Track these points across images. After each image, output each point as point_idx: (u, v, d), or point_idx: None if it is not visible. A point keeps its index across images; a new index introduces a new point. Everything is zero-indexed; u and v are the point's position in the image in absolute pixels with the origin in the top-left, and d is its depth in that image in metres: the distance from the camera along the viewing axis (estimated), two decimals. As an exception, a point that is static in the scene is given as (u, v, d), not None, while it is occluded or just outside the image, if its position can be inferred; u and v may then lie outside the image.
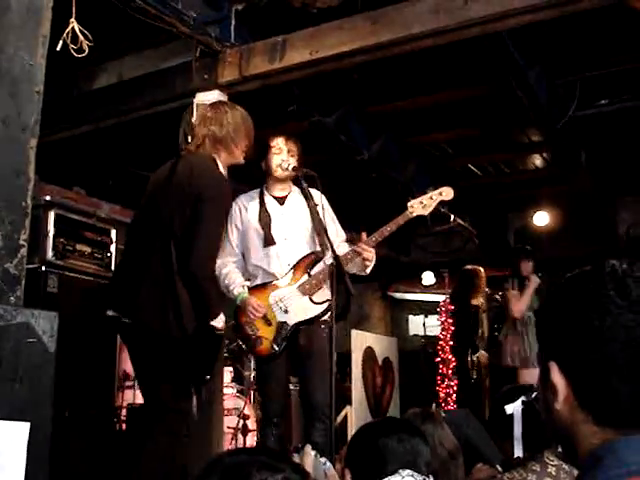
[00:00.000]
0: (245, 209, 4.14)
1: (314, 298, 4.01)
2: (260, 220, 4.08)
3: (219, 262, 3.81)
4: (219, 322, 3.32)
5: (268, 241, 4.09)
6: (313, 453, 1.89)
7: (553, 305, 1.20)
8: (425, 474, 1.88)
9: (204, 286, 3.26)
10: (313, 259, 4.11)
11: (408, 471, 1.82)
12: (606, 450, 1.06)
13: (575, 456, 1.15)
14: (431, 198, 4.33)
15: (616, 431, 1.08)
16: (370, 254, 4.12)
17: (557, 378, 1.13)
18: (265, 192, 4.20)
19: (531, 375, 5.89)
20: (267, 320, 3.94)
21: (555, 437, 1.19)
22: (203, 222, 3.22)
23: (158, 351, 3.26)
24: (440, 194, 4.37)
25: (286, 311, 3.97)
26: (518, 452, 2.62)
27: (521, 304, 6.46)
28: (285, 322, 3.97)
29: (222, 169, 3.52)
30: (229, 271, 4.00)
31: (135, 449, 3.33)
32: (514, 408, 2.63)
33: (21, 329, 1.11)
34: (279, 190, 4.21)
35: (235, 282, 3.98)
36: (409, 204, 4.20)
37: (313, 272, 4.05)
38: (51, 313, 1.16)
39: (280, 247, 4.06)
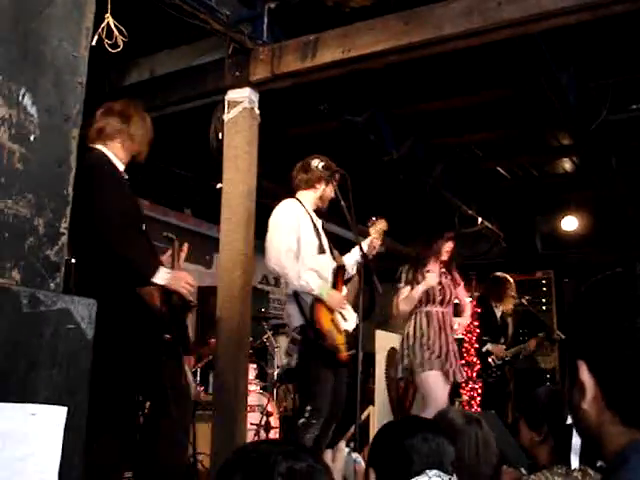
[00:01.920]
0: (298, 217, 4.23)
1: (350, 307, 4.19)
2: (314, 228, 4.24)
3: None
4: (161, 277, 3.29)
5: (322, 249, 4.23)
6: (347, 450, 1.89)
7: (583, 305, 1.21)
8: (451, 474, 1.87)
9: (119, 252, 3.23)
10: (344, 270, 4.30)
11: (435, 471, 1.82)
12: (633, 450, 1.07)
13: (601, 456, 1.15)
14: (369, 234, 4.49)
15: None
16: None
17: (586, 377, 1.14)
18: (302, 203, 4.34)
19: None
20: (338, 327, 4.09)
21: (582, 436, 1.19)
22: (94, 201, 3.24)
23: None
24: (374, 225, 4.54)
25: (345, 319, 4.15)
26: (575, 463, 2.58)
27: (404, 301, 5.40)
28: (347, 330, 4.16)
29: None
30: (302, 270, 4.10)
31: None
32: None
33: (61, 315, 1.13)
34: (313, 204, 4.41)
35: (313, 278, 4.07)
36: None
37: (349, 283, 4.22)
38: (90, 300, 1.18)
39: (327, 256, 4.17)
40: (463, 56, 4.82)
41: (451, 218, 7.70)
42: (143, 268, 3.31)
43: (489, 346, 7.05)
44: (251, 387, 5.77)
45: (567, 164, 7.88)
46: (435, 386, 5.06)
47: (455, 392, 5.83)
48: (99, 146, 3.49)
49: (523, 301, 8.64)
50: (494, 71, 5.59)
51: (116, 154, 3.52)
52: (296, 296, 4.11)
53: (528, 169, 8.05)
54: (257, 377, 6.48)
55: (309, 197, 4.40)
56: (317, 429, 4.02)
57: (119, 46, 3.71)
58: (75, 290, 3.42)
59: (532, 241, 9.49)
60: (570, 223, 8.75)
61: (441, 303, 5.32)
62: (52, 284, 1.17)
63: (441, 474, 1.78)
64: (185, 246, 3.71)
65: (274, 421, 5.98)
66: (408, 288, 5.32)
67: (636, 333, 1.08)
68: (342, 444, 1.91)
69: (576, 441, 2.53)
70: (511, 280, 6.64)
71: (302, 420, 4.05)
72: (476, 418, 2.50)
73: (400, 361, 5.35)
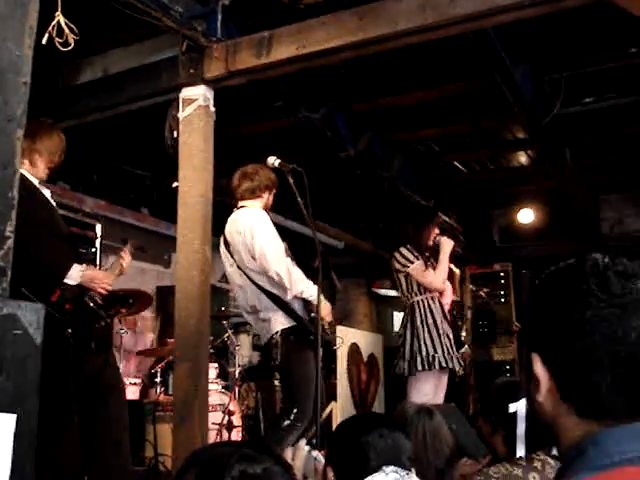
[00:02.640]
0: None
1: None
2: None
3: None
4: (74, 276, 3.43)
5: (288, 253, 4.42)
6: (307, 448, 1.89)
7: (535, 298, 1.21)
8: (408, 469, 1.88)
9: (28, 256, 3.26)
10: None
11: (392, 467, 1.82)
12: (589, 442, 1.08)
13: (560, 447, 1.16)
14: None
15: (598, 423, 1.09)
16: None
17: (539, 370, 1.15)
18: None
19: None
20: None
21: (542, 428, 1.20)
22: None
23: None
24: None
25: None
26: (521, 452, 2.61)
27: (437, 272, 5.26)
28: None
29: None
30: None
31: None
32: (518, 407, 2.63)
33: (7, 320, 1.11)
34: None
35: (310, 283, 4.24)
36: None
37: None
38: (37, 305, 1.16)
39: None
40: (419, 51, 4.85)
41: (406, 212, 7.74)
42: (54, 268, 3.44)
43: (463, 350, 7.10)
44: (212, 386, 5.73)
45: (522, 157, 7.98)
46: (430, 388, 5.00)
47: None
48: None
49: (481, 294, 8.75)
50: (450, 66, 5.62)
51: (28, 170, 3.61)
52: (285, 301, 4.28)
53: (484, 163, 8.13)
54: (218, 376, 6.44)
55: (257, 206, 4.51)
56: (300, 431, 4.04)
57: (70, 45, 3.64)
58: None
59: (489, 234, 9.60)
60: (526, 216, 8.86)
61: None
62: (-2, 289, 1.15)
63: (398, 470, 1.79)
64: (127, 246, 3.77)
65: (236, 420, 5.95)
66: (421, 262, 5.21)
67: (586, 325, 1.09)
68: (302, 442, 1.91)
69: (520, 429, 2.57)
70: (455, 269, 6.61)
71: (287, 422, 4.12)
72: (427, 409, 2.52)
73: (404, 356, 5.14)
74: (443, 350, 4.97)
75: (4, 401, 1.10)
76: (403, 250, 5.23)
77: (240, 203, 4.55)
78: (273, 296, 4.37)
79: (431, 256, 5.33)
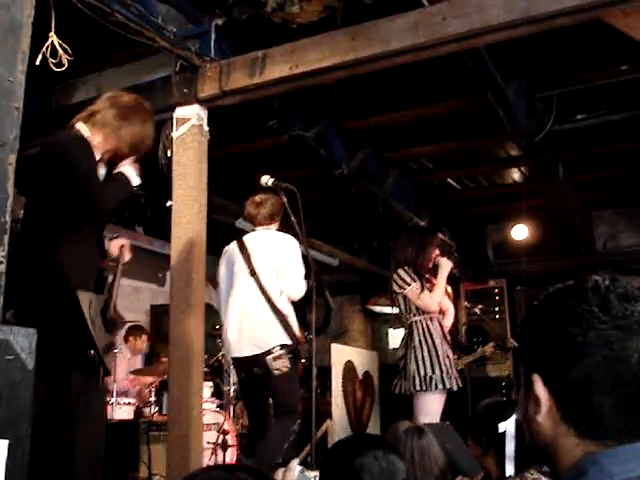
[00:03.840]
0: None
1: None
2: None
3: None
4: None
5: None
6: (299, 468, 1.87)
7: (536, 318, 1.22)
8: None
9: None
10: None
11: None
12: (589, 462, 1.08)
13: (555, 470, 1.16)
14: None
15: (598, 444, 1.09)
16: None
17: (540, 390, 1.15)
18: None
19: None
20: None
21: (536, 450, 1.20)
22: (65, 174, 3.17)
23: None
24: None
25: None
26: (510, 470, 2.61)
27: (434, 294, 5.19)
28: None
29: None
30: None
31: None
32: (507, 426, 2.63)
33: (0, 346, 1.11)
34: None
35: None
36: None
37: None
38: (30, 330, 1.16)
39: None
40: (412, 69, 4.88)
41: (402, 229, 7.77)
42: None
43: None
44: (207, 405, 5.71)
45: (516, 174, 8.01)
46: (433, 407, 4.96)
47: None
48: (80, 125, 3.38)
49: (476, 310, 8.74)
50: (443, 84, 5.66)
51: (96, 141, 3.37)
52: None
53: (478, 180, 8.16)
54: (213, 395, 6.43)
55: (274, 229, 4.83)
56: None
57: (64, 65, 3.66)
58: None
59: (484, 250, 9.61)
60: (520, 232, 8.87)
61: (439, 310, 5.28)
62: (-10, 314, 1.15)
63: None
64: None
65: (231, 439, 5.92)
66: (417, 284, 5.17)
67: (588, 347, 1.09)
68: (294, 463, 1.90)
69: (510, 449, 2.56)
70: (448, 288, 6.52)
71: (294, 435, 4.44)
72: (417, 428, 2.51)
73: (405, 376, 5.08)
74: (442, 371, 4.96)
75: (-3, 427, 1.10)
76: (401, 272, 5.23)
77: (259, 227, 4.84)
78: (280, 313, 4.55)
79: (431, 277, 5.32)
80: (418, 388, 4.93)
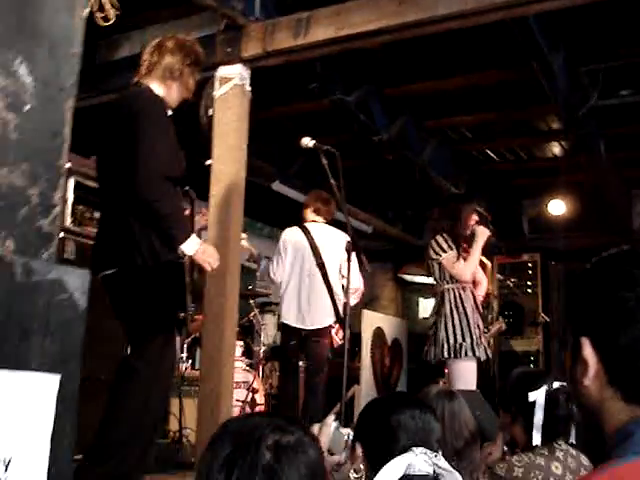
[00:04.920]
0: None
1: None
2: None
3: None
4: (191, 247, 3.14)
5: None
6: (334, 425, 1.90)
7: (588, 281, 1.22)
8: (436, 451, 1.89)
9: (157, 208, 3.06)
10: None
11: (421, 449, 1.84)
12: (636, 425, 1.09)
13: (599, 432, 1.17)
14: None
15: None
16: None
17: (589, 354, 1.16)
18: None
19: None
20: None
21: (582, 412, 1.21)
22: (138, 138, 3.08)
23: (125, 292, 3.18)
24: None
25: None
26: (537, 440, 2.63)
27: (467, 263, 5.17)
28: None
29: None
30: None
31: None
32: (537, 396, 2.65)
33: (54, 285, 1.14)
34: None
35: None
36: None
37: None
38: (84, 271, 1.19)
39: None
40: (456, 37, 4.83)
41: (439, 199, 7.72)
42: (175, 231, 3.14)
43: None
44: (237, 364, 5.79)
45: (556, 148, 7.91)
46: (469, 376, 4.98)
47: (441, 371, 5.75)
48: (151, 83, 3.36)
49: (509, 284, 8.71)
50: (486, 53, 5.59)
51: (169, 95, 3.38)
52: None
53: (517, 152, 8.07)
54: (243, 354, 6.50)
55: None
56: None
57: (111, 20, 3.67)
58: (99, 243, 3.35)
59: (519, 224, 9.53)
60: (557, 207, 8.78)
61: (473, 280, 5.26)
62: (45, 254, 1.18)
63: (427, 452, 1.80)
64: (204, 210, 3.62)
65: (259, 398, 6.01)
66: (454, 253, 5.15)
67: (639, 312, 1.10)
68: (330, 419, 1.93)
69: (538, 419, 2.58)
70: (486, 262, 6.46)
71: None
72: (448, 391, 2.54)
73: (435, 343, 5.09)
74: (472, 339, 4.96)
75: (48, 363, 1.13)
76: (439, 238, 5.20)
77: (319, 218, 5.51)
78: (334, 300, 5.31)
79: (468, 246, 5.28)
80: (446, 355, 4.94)
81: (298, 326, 5.32)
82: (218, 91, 4.54)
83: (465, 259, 5.15)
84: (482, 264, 5.46)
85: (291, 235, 5.49)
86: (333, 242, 5.35)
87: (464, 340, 4.93)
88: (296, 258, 5.40)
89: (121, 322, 3.30)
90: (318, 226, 5.47)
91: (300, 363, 5.53)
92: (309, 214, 5.56)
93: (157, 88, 3.36)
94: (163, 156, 3.14)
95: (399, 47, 5.13)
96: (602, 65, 5.79)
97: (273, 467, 1.26)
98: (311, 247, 5.35)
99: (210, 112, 4.59)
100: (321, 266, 5.30)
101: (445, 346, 4.96)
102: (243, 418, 1.44)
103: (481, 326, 5.13)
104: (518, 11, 3.98)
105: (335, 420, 2.00)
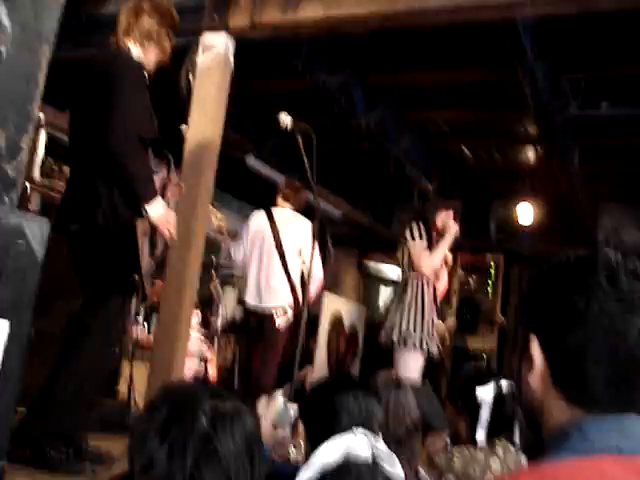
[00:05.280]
0: None
1: None
2: None
3: None
4: (155, 208, 3.12)
5: None
6: (282, 400, 1.91)
7: (543, 281, 1.24)
8: (377, 434, 1.92)
9: (125, 164, 3.03)
10: None
11: (361, 429, 1.86)
12: (574, 428, 1.11)
13: (539, 429, 1.20)
14: None
15: (586, 411, 1.12)
16: None
17: (535, 351, 1.18)
18: None
19: None
20: None
21: (524, 410, 1.23)
22: (114, 98, 3.06)
23: (84, 249, 3.20)
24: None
25: None
26: (480, 437, 2.68)
27: (431, 257, 5.20)
28: None
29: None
30: None
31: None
32: (484, 393, 2.68)
33: (12, 230, 1.13)
34: None
35: None
36: None
37: None
38: (43, 219, 1.18)
39: None
40: (443, 33, 4.83)
41: (410, 191, 7.76)
42: (140, 190, 3.10)
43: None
44: (192, 333, 5.77)
45: (530, 153, 7.97)
46: (413, 365, 5.02)
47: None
48: (129, 44, 3.36)
49: (470, 280, 8.79)
50: (472, 50, 5.60)
51: (146, 57, 3.38)
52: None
53: (491, 153, 8.12)
54: (200, 325, 6.48)
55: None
56: None
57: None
58: (65, 199, 3.35)
59: (486, 224, 9.60)
60: (525, 211, 8.86)
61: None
62: (6, 199, 1.17)
63: (367, 433, 1.83)
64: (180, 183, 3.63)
65: (211, 369, 6.01)
66: (423, 243, 5.21)
67: (590, 316, 1.11)
68: (278, 393, 1.94)
69: (484, 415, 2.63)
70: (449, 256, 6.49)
71: None
72: (395, 380, 2.57)
73: (387, 326, 5.17)
74: (422, 332, 5.00)
75: (2, 308, 1.12)
76: (413, 225, 5.26)
77: (286, 204, 5.71)
78: (291, 281, 5.49)
79: (439, 238, 5.32)
80: (395, 339, 4.99)
81: (255, 303, 5.57)
82: (201, 58, 4.50)
83: (431, 251, 5.19)
84: (445, 259, 5.51)
85: (255, 219, 5.75)
86: (295, 228, 5.58)
87: (414, 331, 4.97)
88: (255, 240, 5.64)
89: (79, 279, 3.29)
90: (283, 211, 5.70)
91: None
92: (279, 200, 5.78)
93: (135, 50, 3.36)
94: (137, 116, 3.13)
95: (386, 36, 5.12)
96: (584, 75, 5.84)
97: (209, 434, 1.27)
98: (271, 230, 5.57)
99: (190, 78, 4.54)
100: (279, 248, 5.51)
101: (395, 330, 5.01)
102: (182, 384, 1.45)
103: (435, 320, 5.17)
104: (510, 11, 3.98)
105: (283, 396, 2.02)
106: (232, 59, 4.58)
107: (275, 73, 6.31)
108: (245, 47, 4.69)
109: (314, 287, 5.36)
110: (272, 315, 5.46)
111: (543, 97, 5.69)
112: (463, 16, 4.01)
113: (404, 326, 5.00)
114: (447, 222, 5.36)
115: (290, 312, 5.48)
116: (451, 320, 7.18)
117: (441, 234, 5.35)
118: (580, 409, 1.13)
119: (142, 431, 1.30)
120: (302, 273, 5.50)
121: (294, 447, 1.95)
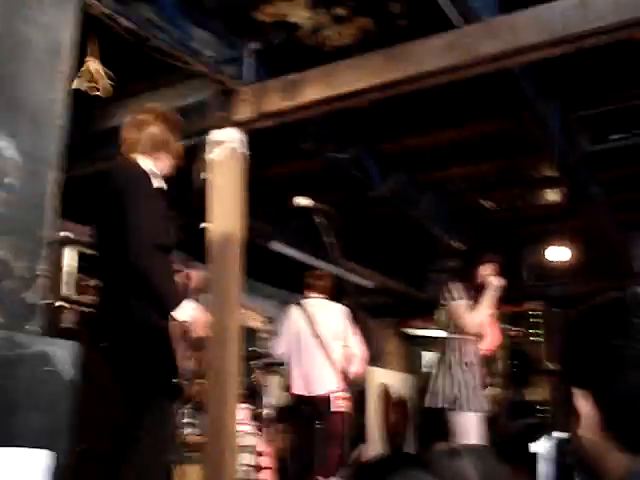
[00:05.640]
0: None
1: None
2: None
3: None
4: (183, 312, 3.13)
5: None
6: None
7: (578, 331, 1.20)
8: None
9: (147, 277, 3.08)
10: None
11: None
12: (634, 477, 1.06)
13: None
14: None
15: None
16: None
17: (581, 404, 1.14)
18: None
19: None
20: None
21: (579, 464, 1.18)
22: (126, 213, 3.13)
23: (120, 362, 3.19)
24: None
25: None
26: None
27: (475, 315, 5.10)
28: None
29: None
30: None
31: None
32: (538, 446, 2.60)
33: (38, 357, 1.13)
34: None
35: None
36: None
37: None
38: (72, 342, 1.18)
39: None
40: (446, 91, 4.87)
41: (436, 252, 7.73)
42: (166, 299, 3.15)
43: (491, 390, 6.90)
44: (242, 427, 5.69)
45: (552, 195, 7.92)
46: (469, 429, 4.88)
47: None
48: (137, 157, 3.42)
49: (512, 333, 8.66)
50: (477, 105, 5.64)
51: (158, 165, 3.43)
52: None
53: (513, 201, 8.08)
54: (250, 418, 6.40)
55: None
56: None
57: (102, 89, 3.73)
58: (99, 313, 3.37)
59: (519, 272, 9.49)
60: (556, 254, 8.77)
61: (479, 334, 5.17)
62: (29, 326, 1.17)
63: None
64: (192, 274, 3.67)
65: (266, 461, 5.90)
66: (464, 302, 5.11)
67: (634, 359, 1.08)
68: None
69: (541, 470, 2.53)
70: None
71: None
72: (451, 449, 2.50)
73: (432, 391, 5.05)
74: (469, 392, 4.88)
75: (36, 437, 1.11)
76: (451, 286, 5.18)
77: (314, 294, 5.99)
78: (335, 366, 5.36)
79: (479, 296, 5.19)
80: (440, 405, 4.87)
81: (305, 394, 5.76)
82: (213, 155, 4.57)
83: (474, 309, 5.09)
84: (492, 316, 5.36)
85: (289, 313, 6.01)
86: (328, 313, 5.82)
87: (460, 392, 4.85)
88: (294, 333, 5.86)
89: (120, 389, 3.28)
90: (313, 301, 5.94)
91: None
92: (305, 292, 6.05)
93: (144, 161, 3.41)
94: (151, 227, 3.18)
95: (390, 104, 5.18)
96: (592, 111, 5.84)
97: None
98: (306, 320, 5.63)
99: (202, 175, 4.61)
100: (316, 337, 5.52)
101: (440, 397, 4.90)
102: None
103: (478, 380, 5.01)
104: (502, 63, 4.02)
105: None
106: (244, 151, 4.64)
107: (287, 156, 6.39)
108: (254, 136, 4.77)
109: (357, 365, 5.53)
110: (326, 398, 5.56)
111: (554, 138, 5.69)
112: (459, 74, 4.06)
113: (447, 390, 4.89)
114: (488, 277, 5.24)
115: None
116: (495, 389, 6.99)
117: (481, 290, 5.22)
118: (637, 456, 1.08)
119: None
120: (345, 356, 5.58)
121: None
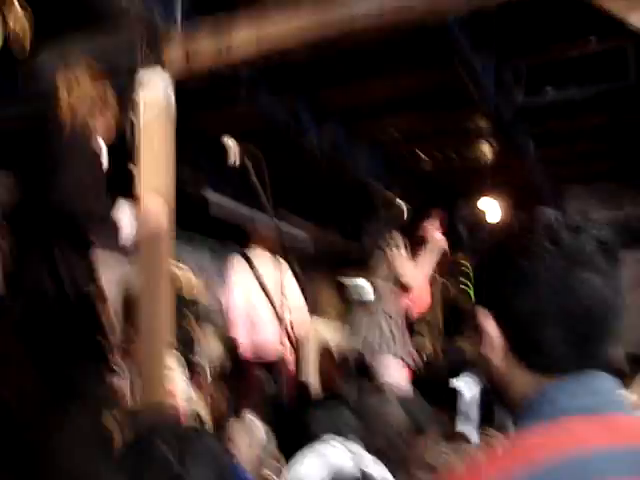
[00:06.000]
0: None
1: None
2: None
3: None
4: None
5: None
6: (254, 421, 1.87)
7: (488, 255, 1.21)
8: (353, 442, 1.87)
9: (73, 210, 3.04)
10: None
11: (338, 439, 1.82)
12: (539, 394, 1.09)
13: (509, 405, 1.16)
14: None
15: (548, 375, 1.10)
16: None
17: (490, 326, 1.15)
18: None
19: None
20: None
21: (492, 388, 1.19)
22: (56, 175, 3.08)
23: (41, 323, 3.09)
24: None
25: None
26: (464, 428, 2.64)
27: (415, 268, 4.94)
28: None
29: None
30: None
31: None
32: (458, 384, 2.65)
33: None
34: None
35: None
36: None
37: None
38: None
39: None
40: (382, 41, 4.83)
41: (372, 202, 7.75)
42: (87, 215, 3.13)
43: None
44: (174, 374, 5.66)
45: (485, 147, 7.98)
46: (394, 373, 4.85)
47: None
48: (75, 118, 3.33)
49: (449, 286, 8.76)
50: (412, 57, 5.62)
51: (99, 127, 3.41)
52: None
53: (447, 153, 8.12)
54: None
55: None
56: None
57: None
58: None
59: (452, 224, 9.57)
60: (489, 207, 8.87)
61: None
62: None
63: (343, 442, 1.78)
64: None
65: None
66: (404, 253, 4.92)
67: (536, 277, 1.09)
68: (248, 415, 1.90)
69: (462, 407, 2.60)
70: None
71: None
72: (374, 386, 2.54)
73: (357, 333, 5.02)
74: (393, 339, 4.85)
75: None
76: (394, 235, 5.02)
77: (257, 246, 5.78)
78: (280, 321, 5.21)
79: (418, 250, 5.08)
80: (362, 348, 4.85)
81: (256, 359, 5.57)
82: (140, 96, 4.45)
83: (415, 262, 4.97)
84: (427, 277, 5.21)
85: (234, 263, 5.82)
86: (269, 266, 5.58)
87: (381, 339, 4.80)
88: (244, 287, 5.70)
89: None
90: (255, 252, 5.78)
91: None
92: (247, 244, 5.89)
93: (82, 123, 3.32)
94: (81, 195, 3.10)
95: (325, 51, 5.12)
96: (525, 61, 5.87)
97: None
98: (253, 274, 5.64)
99: (132, 117, 4.49)
100: (264, 291, 5.55)
101: (361, 340, 4.87)
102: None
103: (405, 329, 4.99)
104: (432, 14, 3.98)
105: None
106: (172, 94, 4.53)
107: (220, 103, 6.28)
108: (185, 80, 4.66)
109: (299, 318, 5.43)
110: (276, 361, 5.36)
111: (487, 90, 5.71)
112: (390, 19, 4.01)
113: (377, 336, 4.87)
114: (432, 233, 5.11)
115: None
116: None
117: (421, 244, 5.11)
118: (542, 374, 1.10)
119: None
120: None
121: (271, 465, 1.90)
